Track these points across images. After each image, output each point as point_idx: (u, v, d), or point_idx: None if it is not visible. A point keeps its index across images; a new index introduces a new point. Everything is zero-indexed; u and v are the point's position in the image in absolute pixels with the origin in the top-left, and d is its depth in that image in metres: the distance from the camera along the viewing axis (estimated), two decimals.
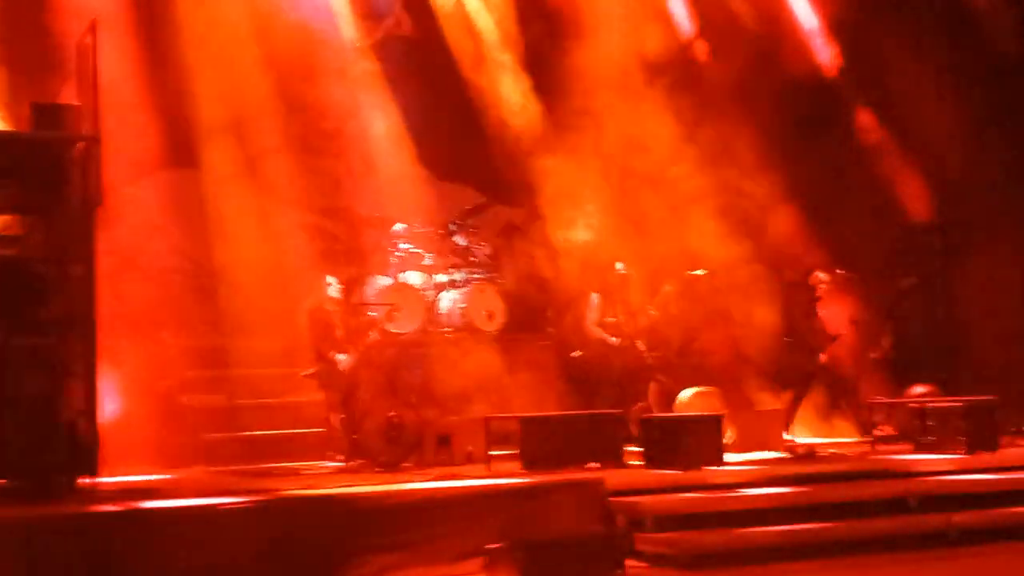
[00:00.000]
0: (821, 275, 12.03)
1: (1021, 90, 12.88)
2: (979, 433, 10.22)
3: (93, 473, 8.87)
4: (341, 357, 11.07)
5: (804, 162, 13.80)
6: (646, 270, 13.31)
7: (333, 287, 11.47)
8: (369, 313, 11.37)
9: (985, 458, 10.05)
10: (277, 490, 8.71)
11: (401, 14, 14.41)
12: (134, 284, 11.53)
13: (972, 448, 10.09)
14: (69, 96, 9.72)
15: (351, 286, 11.16)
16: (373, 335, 11.26)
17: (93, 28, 9.23)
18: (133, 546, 7.51)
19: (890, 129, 13.95)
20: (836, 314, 12.17)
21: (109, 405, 9.90)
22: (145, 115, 12.13)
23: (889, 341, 11.94)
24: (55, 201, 9.04)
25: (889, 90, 13.69)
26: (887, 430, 11.47)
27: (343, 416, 11.02)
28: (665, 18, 14.48)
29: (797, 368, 11.86)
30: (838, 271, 12.24)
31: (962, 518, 9.03)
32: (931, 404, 10.77)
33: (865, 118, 14.06)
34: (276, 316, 12.14)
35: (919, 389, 11.89)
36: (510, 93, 14.55)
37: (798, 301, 12.04)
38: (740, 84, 14.04)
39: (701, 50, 14.53)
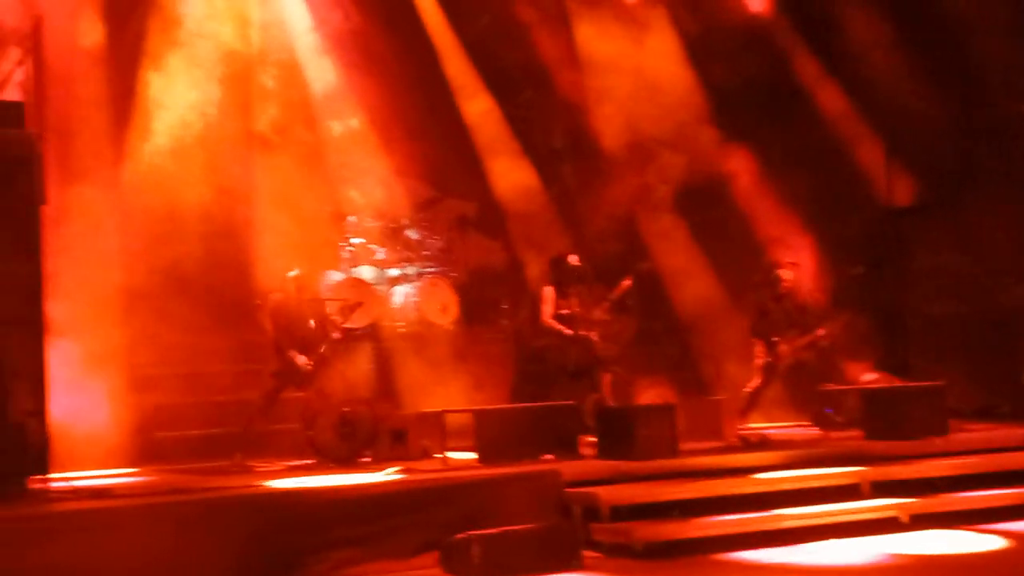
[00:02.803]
0: (784, 273, 12.08)
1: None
2: (929, 418, 10.30)
3: (44, 473, 8.78)
4: (302, 359, 10.77)
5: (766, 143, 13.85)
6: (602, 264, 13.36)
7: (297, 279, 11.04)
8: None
9: (936, 443, 10.15)
10: (233, 487, 8.66)
11: (349, 8, 14.33)
12: (83, 283, 11.41)
13: (922, 433, 10.18)
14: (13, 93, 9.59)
15: (303, 282, 11.05)
16: (335, 335, 11.02)
17: (39, 24, 9.12)
18: (88, 546, 7.47)
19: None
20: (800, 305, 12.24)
21: (59, 405, 9.77)
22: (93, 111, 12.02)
23: (838, 329, 12.00)
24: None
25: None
26: (838, 418, 11.56)
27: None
28: None
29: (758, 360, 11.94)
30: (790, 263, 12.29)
31: (914, 504, 9.13)
32: (881, 390, 10.85)
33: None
34: (227, 312, 12.03)
35: (869, 376, 12.00)
36: (463, 87, 14.54)
37: (759, 299, 12.10)
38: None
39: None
